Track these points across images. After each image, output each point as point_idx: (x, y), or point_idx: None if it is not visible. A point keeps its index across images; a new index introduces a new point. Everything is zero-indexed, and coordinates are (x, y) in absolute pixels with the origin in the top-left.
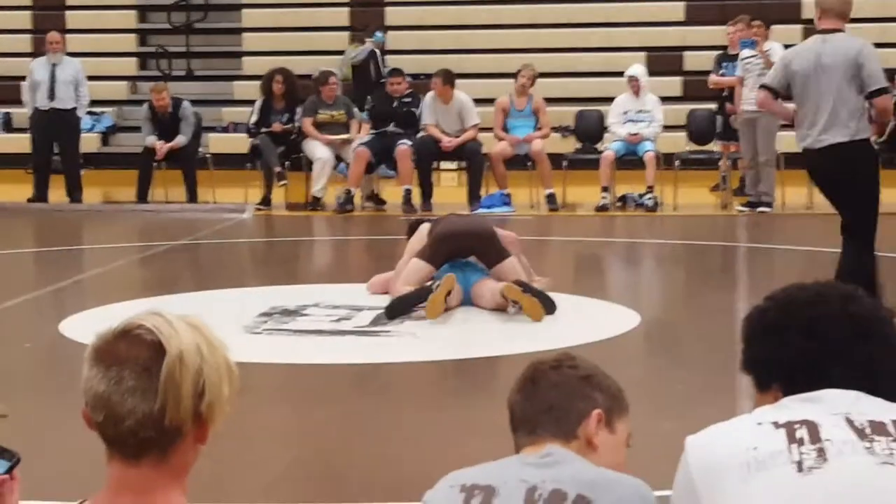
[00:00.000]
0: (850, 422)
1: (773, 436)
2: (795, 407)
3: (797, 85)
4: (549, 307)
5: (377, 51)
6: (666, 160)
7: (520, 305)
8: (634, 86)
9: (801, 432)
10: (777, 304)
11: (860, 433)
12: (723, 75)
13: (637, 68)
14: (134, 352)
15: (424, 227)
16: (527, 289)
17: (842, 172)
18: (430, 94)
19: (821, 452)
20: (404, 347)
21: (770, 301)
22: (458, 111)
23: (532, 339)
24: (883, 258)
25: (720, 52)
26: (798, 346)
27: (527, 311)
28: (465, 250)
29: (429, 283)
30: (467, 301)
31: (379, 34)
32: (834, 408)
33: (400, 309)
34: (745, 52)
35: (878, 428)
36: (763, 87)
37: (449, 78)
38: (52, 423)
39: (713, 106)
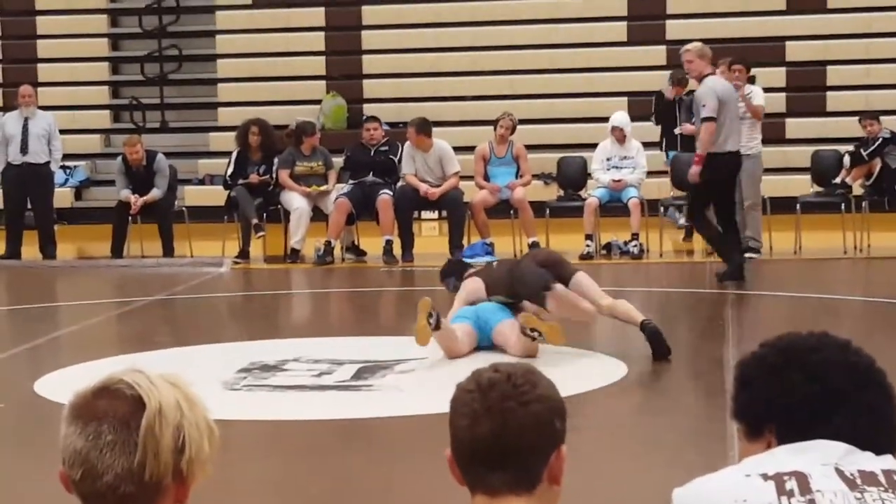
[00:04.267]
0: (839, 472)
1: (762, 488)
2: (784, 458)
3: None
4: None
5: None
6: (650, 206)
7: (539, 332)
8: (618, 135)
9: (791, 484)
10: (776, 349)
11: (851, 483)
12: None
13: (620, 117)
14: (113, 407)
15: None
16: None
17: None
18: (409, 143)
19: None
20: (388, 402)
21: (767, 347)
22: (438, 159)
23: None
24: (881, 303)
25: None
26: (800, 389)
27: (549, 338)
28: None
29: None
30: (486, 343)
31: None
32: (824, 458)
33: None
34: None
35: (869, 478)
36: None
37: (423, 127)
38: (26, 485)
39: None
